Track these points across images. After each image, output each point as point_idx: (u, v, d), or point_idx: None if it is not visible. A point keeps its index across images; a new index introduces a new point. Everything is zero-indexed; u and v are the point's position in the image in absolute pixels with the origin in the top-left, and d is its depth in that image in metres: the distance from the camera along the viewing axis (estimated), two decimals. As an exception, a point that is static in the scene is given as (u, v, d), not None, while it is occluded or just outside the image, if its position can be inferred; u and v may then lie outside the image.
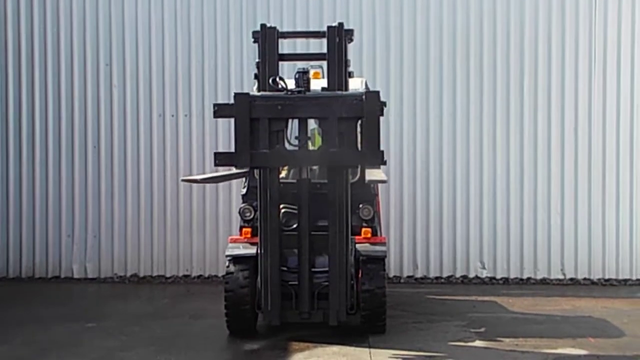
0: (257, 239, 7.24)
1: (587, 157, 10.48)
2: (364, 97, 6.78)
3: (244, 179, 7.98)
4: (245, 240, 7.60)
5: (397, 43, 10.55)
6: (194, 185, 10.37)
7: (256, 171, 7.35)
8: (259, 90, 7.52)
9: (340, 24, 7.42)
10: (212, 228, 10.64)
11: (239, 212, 7.77)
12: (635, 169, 10.49)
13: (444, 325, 8.00)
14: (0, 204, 10.79)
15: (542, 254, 10.53)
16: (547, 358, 6.80)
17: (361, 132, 7.37)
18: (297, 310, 7.17)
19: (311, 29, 10.12)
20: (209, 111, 10.18)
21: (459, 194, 10.55)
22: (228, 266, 7.37)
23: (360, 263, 7.36)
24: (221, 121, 10.16)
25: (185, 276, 10.70)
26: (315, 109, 6.89)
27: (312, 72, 7.52)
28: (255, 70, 7.67)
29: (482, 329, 7.82)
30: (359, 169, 7.68)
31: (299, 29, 10.30)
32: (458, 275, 10.59)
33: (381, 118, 6.78)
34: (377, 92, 6.81)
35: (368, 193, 7.83)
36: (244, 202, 7.80)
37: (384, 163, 6.81)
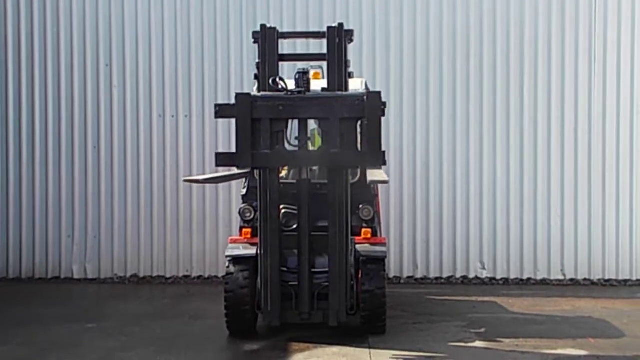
0: (257, 240, 7.23)
1: (587, 157, 10.48)
2: (365, 97, 6.78)
3: (244, 180, 7.98)
4: (245, 240, 7.60)
5: (397, 43, 10.55)
6: (194, 185, 10.37)
7: (256, 172, 7.34)
8: (259, 90, 7.53)
9: (340, 25, 7.43)
10: (212, 228, 10.64)
11: (239, 213, 7.76)
12: (635, 169, 10.49)
13: (444, 325, 8.00)
14: (0, 205, 10.78)
15: (542, 254, 10.53)
16: (547, 359, 6.80)
17: (361, 133, 7.39)
18: (297, 310, 7.17)
19: (311, 30, 10.12)
20: (209, 112, 10.31)
21: (459, 194, 10.55)
22: (228, 267, 7.37)
23: (360, 263, 7.35)
24: (221, 122, 10.16)
25: (185, 277, 10.70)
26: (317, 110, 6.88)
27: (312, 72, 7.53)
28: (255, 71, 7.69)
29: (482, 330, 7.82)
30: (359, 170, 7.69)
31: (299, 29, 10.29)
32: (458, 275, 10.59)
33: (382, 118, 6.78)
34: (379, 93, 6.81)
35: (368, 193, 7.83)
36: (244, 203, 7.79)
37: (385, 164, 6.81)
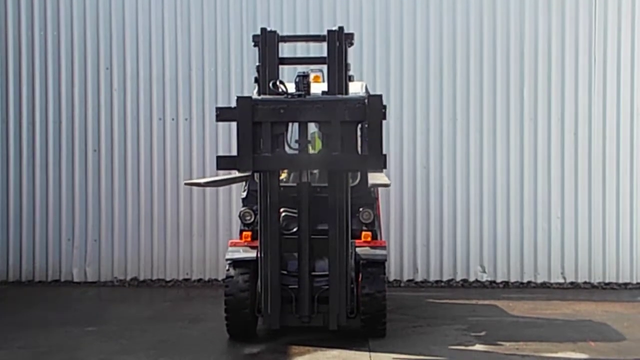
0: (257, 243, 7.24)
1: (587, 159, 10.48)
2: (366, 100, 6.78)
3: (244, 183, 7.98)
4: (246, 243, 7.59)
5: (397, 47, 10.55)
6: (194, 188, 10.36)
7: (256, 175, 7.34)
8: (259, 93, 7.54)
9: (341, 28, 7.43)
10: (212, 232, 10.63)
11: (239, 216, 7.77)
12: (636, 171, 10.49)
13: (444, 329, 8.00)
14: (1, 208, 10.78)
15: (542, 257, 10.52)
16: (548, 362, 6.82)
17: (361, 136, 7.39)
18: (297, 314, 7.17)
19: (311, 33, 10.12)
20: (210, 115, 10.32)
21: (459, 197, 10.55)
22: (228, 270, 7.37)
23: (360, 267, 7.35)
24: (221, 125, 10.16)
25: (185, 280, 10.69)
26: (318, 113, 6.86)
27: (312, 75, 7.53)
28: (256, 74, 7.69)
29: (483, 333, 7.81)
30: (358, 172, 7.69)
31: (299, 32, 10.30)
32: (458, 278, 10.58)
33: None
34: (380, 96, 6.80)
35: (368, 196, 7.83)
36: (244, 206, 7.79)
37: (386, 167, 6.80)
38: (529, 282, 10.54)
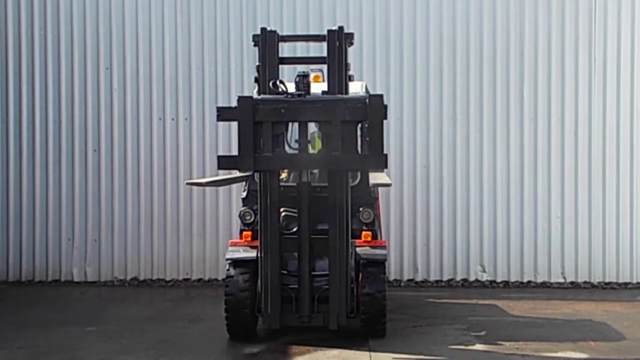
0: (257, 243, 7.24)
1: (587, 160, 10.48)
2: (367, 100, 6.77)
3: (244, 183, 7.98)
4: (246, 243, 7.59)
5: (397, 47, 10.55)
6: (194, 188, 10.36)
7: (256, 174, 7.34)
8: (259, 93, 7.54)
9: (341, 28, 7.43)
10: (212, 231, 10.63)
11: (239, 216, 7.76)
12: (636, 171, 10.49)
13: (444, 328, 8.00)
14: (1, 208, 10.78)
15: (542, 257, 10.53)
16: (548, 362, 6.82)
17: (361, 136, 7.39)
18: (297, 313, 7.17)
19: (311, 33, 10.12)
20: (210, 115, 10.33)
21: (459, 197, 10.55)
22: (228, 269, 7.37)
23: (360, 266, 7.35)
24: (221, 125, 10.17)
25: (185, 279, 10.69)
26: (319, 112, 6.85)
27: (312, 75, 7.53)
28: (256, 74, 7.69)
29: (483, 333, 7.81)
30: (359, 172, 7.69)
31: (299, 32, 10.30)
32: (458, 278, 10.58)
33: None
34: (381, 96, 6.79)
35: (368, 196, 7.82)
36: (244, 206, 7.79)
37: (386, 166, 6.80)
38: (529, 282, 10.54)
